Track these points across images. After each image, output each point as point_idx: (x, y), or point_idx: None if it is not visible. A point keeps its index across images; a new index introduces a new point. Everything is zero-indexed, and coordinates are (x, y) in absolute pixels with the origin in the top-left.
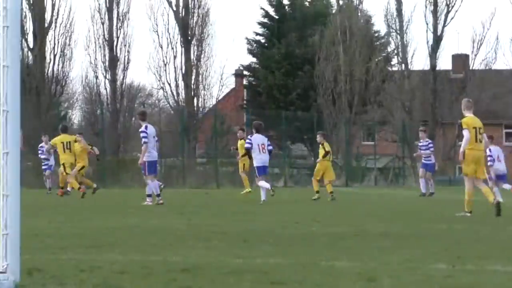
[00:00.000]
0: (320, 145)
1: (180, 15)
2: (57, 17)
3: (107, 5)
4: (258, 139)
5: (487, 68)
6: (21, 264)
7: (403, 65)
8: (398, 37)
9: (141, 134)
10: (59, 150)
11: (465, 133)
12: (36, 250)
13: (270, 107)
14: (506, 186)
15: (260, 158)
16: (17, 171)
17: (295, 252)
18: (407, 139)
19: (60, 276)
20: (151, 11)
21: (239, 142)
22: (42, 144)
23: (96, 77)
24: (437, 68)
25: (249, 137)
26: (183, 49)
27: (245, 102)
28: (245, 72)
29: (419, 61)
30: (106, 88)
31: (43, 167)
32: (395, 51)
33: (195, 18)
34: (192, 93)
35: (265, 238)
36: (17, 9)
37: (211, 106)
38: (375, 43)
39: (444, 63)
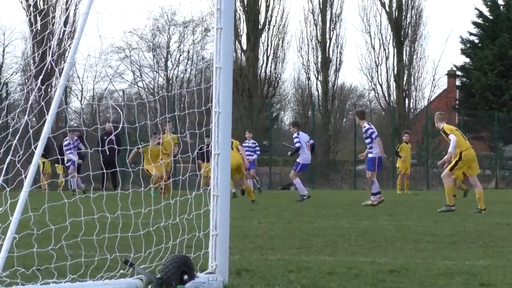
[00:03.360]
0: None
1: (393, 16)
2: (271, 19)
3: (321, 7)
4: (304, 136)
5: None
6: (230, 265)
7: None
8: None
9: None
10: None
11: (452, 137)
12: (245, 250)
13: (483, 108)
14: None
15: (307, 157)
16: (227, 172)
17: (506, 254)
18: None
19: (268, 277)
20: (364, 12)
21: None
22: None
23: (308, 79)
24: None
25: (296, 135)
26: (395, 50)
27: (457, 103)
28: (458, 73)
29: None
30: (317, 90)
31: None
32: None
33: (408, 19)
34: (404, 94)
35: (475, 240)
36: (231, 11)
37: (422, 107)
38: None
39: None
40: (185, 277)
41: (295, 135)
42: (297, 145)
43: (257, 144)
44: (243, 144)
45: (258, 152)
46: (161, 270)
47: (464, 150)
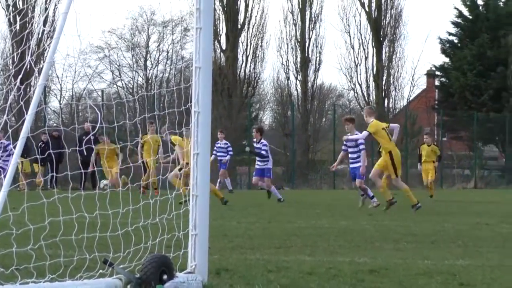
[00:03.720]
0: None
1: (373, 15)
2: (250, 18)
3: (300, 7)
4: None
5: None
6: (209, 264)
7: None
8: None
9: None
10: None
11: (363, 134)
12: (225, 250)
13: (462, 108)
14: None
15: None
16: (206, 172)
17: (484, 254)
18: None
19: (248, 276)
20: (343, 12)
21: None
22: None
23: (288, 78)
24: None
25: (264, 142)
26: (374, 49)
27: (436, 102)
28: (437, 73)
29: None
30: (297, 89)
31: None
32: None
33: (387, 19)
34: (383, 94)
35: (454, 240)
36: (210, 10)
37: (402, 107)
38: None
39: None
40: (165, 276)
41: (263, 141)
42: (264, 152)
43: (229, 144)
44: (216, 145)
45: (231, 153)
46: (140, 270)
47: (391, 149)
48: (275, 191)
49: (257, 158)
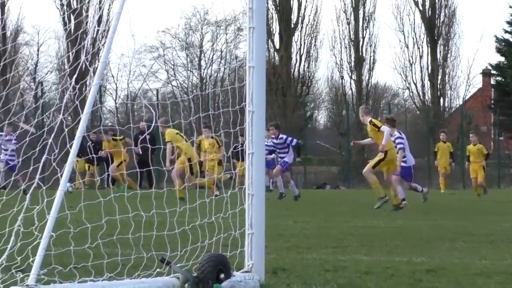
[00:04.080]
0: None
1: (427, 14)
2: (303, 17)
3: (353, 5)
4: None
5: None
6: (266, 264)
7: None
8: None
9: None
10: None
11: (385, 129)
12: (281, 249)
13: None
14: None
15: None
16: (261, 171)
17: None
18: None
19: (304, 276)
20: (397, 11)
21: None
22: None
23: (342, 78)
24: None
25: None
26: (429, 48)
27: (492, 102)
28: (493, 72)
29: None
30: (351, 89)
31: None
32: None
33: (441, 18)
34: (438, 93)
35: None
36: (263, 10)
37: (457, 106)
38: None
39: None
40: (222, 275)
41: (283, 136)
42: (290, 143)
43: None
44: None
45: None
46: (197, 269)
47: (389, 149)
48: (294, 186)
49: (280, 155)
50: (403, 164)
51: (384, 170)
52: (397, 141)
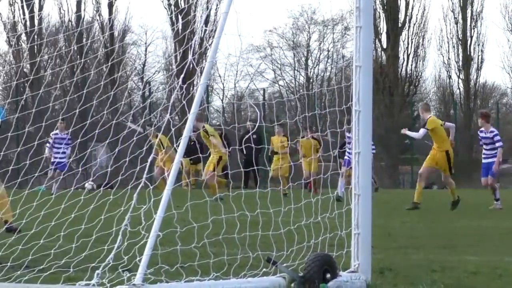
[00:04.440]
0: None
1: None
2: (411, 17)
3: (461, 5)
4: None
5: None
6: (373, 264)
7: None
8: None
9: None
10: None
11: (422, 131)
12: (388, 249)
13: None
14: None
15: None
16: (368, 171)
17: None
18: None
19: (411, 276)
20: (505, 10)
21: None
22: None
23: (449, 77)
24: None
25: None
26: None
27: None
28: None
29: None
30: (459, 88)
31: None
32: None
33: None
34: None
35: None
36: (370, 9)
37: None
38: None
39: None
40: (328, 275)
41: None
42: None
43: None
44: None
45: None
46: (303, 269)
47: (448, 148)
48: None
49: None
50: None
51: (442, 171)
52: (495, 138)
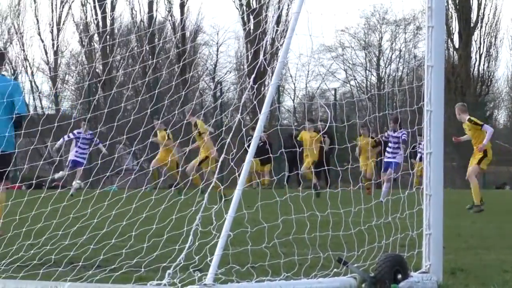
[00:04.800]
0: None
1: None
2: (483, 16)
3: None
4: None
5: None
6: (444, 264)
7: None
8: None
9: None
10: None
11: (487, 128)
12: (459, 250)
13: None
14: None
15: None
16: (440, 171)
17: None
18: None
19: (483, 277)
20: None
21: None
22: None
23: None
24: None
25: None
26: None
27: None
28: None
29: None
30: None
31: None
32: None
33: None
34: None
35: None
36: (442, 9)
37: None
38: None
39: None
40: (399, 276)
41: (403, 130)
42: (404, 138)
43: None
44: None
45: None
46: (374, 269)
47: (488, 148)
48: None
49: (388, 150)
50: None
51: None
52: None
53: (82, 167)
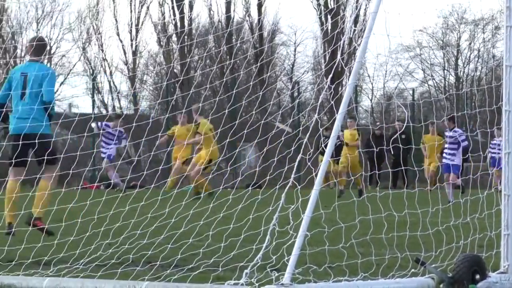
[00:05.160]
0: None
1: None
2: None
3: None
4: None
5: None
6: None
7: None
8: None
9: None
10: None
11: None
12: None
13: None
14: None
15: None
16: None
17: None
18: None
19: None
20: None
21: None
22: None
23: None
24: None
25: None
26: None
27: None
28: None
29: None
30: None
31: None
32: None
33: None
34: None
35: None
36: None
37: None
38: None
39: None
40: (477, 276)
41: (458, 130)
42: (462, 142)
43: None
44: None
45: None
46: (452, 269)
47: None
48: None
49: (446, 151)
50: None
51: None
52: None
53: (104, 161)
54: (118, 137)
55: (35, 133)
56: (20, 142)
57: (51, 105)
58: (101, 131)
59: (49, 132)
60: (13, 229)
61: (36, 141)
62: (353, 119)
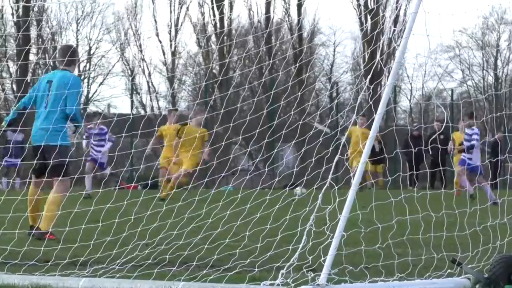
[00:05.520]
0: None
1: None
2: None
3: None
4: None
5: None
6: None
7: None
8: None
9: None
10: None
11: None
12: None
13: None
14: None
15: None
16: None
17: None
18: None
19: None
20: None
21: None
22: None
23: None
24: None
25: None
26: None
27: None
28: None
29: None
30: None
31: None
32: None
33: None
34: None
35: None
36: None
37: None
38: None
39: None
40: None
41: (475, 129)
42: (474, 142)
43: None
44: None
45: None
46: (489, 270)
47: None
48: (489, 190)
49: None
50: None
51: None
52: None
53: (104, 168)
54: (103, 135)
55: (52, 144)
56: (38, 154)
57: (75, 117)
58: (86, 136)
59: (66, 144)
60: (34, 231)
61: (51, 154)
62: (364, 116)
